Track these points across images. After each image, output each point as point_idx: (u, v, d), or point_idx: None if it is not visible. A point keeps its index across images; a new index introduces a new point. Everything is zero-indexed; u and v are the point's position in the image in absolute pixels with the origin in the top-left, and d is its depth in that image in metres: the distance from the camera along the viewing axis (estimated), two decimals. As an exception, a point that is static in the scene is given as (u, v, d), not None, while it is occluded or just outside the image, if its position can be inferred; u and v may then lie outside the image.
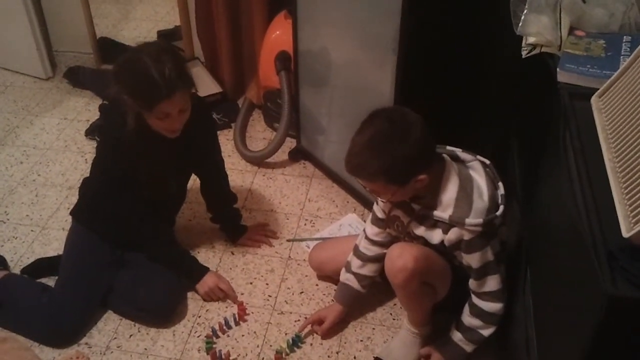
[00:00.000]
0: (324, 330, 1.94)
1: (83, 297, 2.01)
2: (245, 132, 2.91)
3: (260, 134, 2.92)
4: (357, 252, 1.92)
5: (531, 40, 1.61)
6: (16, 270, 2.20)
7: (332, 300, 2.01)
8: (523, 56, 1.61)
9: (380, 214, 1.84)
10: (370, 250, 1.89)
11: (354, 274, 1.91)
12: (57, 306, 1.96)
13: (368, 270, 1.91)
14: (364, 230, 1.92)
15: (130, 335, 2.01)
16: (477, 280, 1.67)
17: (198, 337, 1.99)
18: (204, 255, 2.27)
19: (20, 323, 1.98)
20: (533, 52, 1.61)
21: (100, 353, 1.95)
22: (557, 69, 1.47)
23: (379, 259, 1.86)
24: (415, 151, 1.53)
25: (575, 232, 1.12)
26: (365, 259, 1.90)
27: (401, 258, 1.66)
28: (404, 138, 1.53)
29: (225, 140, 2.82)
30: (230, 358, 1.91)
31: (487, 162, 1.70)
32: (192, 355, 1.94)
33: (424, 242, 1.70)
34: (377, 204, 1.85)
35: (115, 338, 2.00)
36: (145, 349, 1.96)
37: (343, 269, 1.95)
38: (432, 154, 1.62)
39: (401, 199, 1.67)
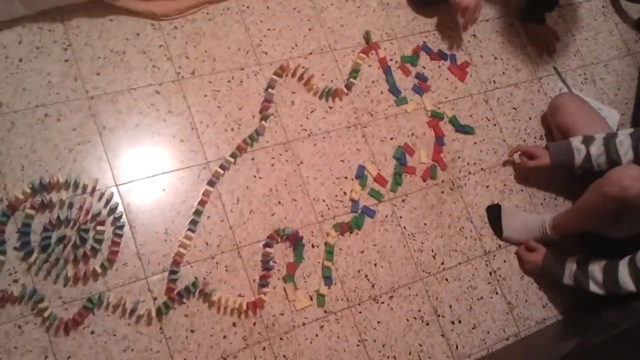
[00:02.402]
0: (530, 166, 1.87)
1: None
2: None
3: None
4: (609, 143, 1.73)
5: None
6: None
7: (544, 147, 1.88)
8: None
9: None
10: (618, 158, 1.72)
11: (588, 152, 1.76)
12: None
13: (599, 162, 1.75)
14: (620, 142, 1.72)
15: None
16: None
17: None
18: None
19: None
20: None
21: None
22: None
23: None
24: None
25: None
26: (608, 154, 1.73)
27: (633, 179, 1.53)
28: None
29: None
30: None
31: None
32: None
33: None
34: None
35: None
36: None
37: (580, 138, 1.79)
38: None
39: None
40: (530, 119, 2.06)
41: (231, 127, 1.69)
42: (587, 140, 1.77)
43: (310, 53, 1.85)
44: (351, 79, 1.85)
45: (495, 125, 2.00)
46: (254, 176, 1.67)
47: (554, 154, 1.83)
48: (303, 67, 1.81)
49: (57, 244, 1.44)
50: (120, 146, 1.57)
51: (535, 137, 2.04)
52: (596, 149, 1.75)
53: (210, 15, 1.78)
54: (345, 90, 1.84)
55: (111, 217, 1.50)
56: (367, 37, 1.92)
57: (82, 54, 1.62)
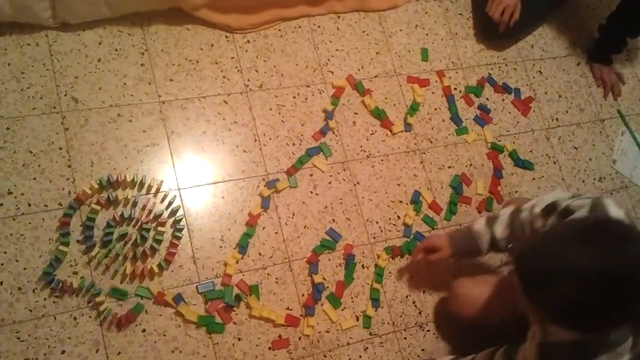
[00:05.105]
0: (433, 260, 1.60)
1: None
2: None
3: None
4: (514, 219, 1.45)
5: None
6: None
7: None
8: None
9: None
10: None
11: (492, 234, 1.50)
12: None
13: (506, 242, 1.49)
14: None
15: None
16: None
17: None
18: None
19: None
20: None
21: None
22: None
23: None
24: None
25: None
26: (514, 231, 1.46)
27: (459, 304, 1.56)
28: None
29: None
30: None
31: None
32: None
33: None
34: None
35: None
36: None
37: (484, 220, 1.52)
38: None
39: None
40: (590, 159, 2.03)
41: (292, 142, 1.72)
42: (490, 220, 1.51)
43: (376, 76, 1.87)
44: (409, 116, 1.85)
45: (555, 162, 1.98)
46: (311, 192, 1.69)
47: (454, 244, 1.56)
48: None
49: (119, 241, 1.48)
50: (186, 151, 1.61)
51: (594, 179, 2.01)
52: (500, 231, 1.48)
53: (281, 32, 1.82)
54: (404, 132, 1.85)
55: (172, 219, 1.54)
56: (423, 55, 1.94)
57: (157, 60, 1.67)
